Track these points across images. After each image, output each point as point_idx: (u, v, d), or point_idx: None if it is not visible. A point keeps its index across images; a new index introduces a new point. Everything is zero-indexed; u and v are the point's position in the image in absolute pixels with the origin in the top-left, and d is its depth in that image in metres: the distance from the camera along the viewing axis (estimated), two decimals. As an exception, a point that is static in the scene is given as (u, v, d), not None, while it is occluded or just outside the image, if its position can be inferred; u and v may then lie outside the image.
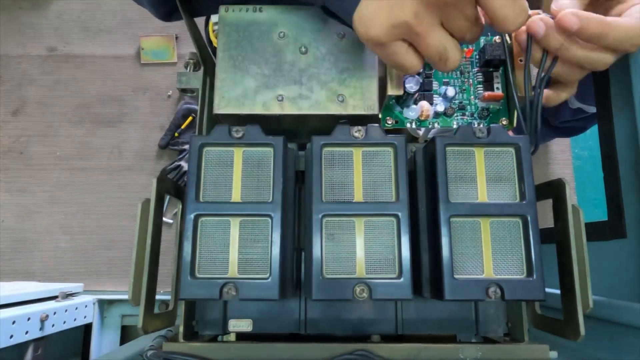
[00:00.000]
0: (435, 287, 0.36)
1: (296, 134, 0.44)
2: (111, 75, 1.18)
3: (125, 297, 0.91)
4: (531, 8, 0.37)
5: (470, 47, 0.44)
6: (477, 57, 0.44)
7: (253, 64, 0.41)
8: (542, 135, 1.03)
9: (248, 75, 0.40)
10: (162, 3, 0.48)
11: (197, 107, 0.46)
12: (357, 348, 0.37)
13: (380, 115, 0.42)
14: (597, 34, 0.37)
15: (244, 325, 0.42)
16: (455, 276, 0.34)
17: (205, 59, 0.47)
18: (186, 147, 1.09)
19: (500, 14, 0.33)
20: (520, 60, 0.41)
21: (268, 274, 0.34)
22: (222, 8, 0.42)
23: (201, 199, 0.36)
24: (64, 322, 0.86)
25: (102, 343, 1.02)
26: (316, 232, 0.35)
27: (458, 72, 0.44)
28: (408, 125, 0.43)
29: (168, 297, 0.43)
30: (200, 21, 0.49)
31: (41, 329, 0.78)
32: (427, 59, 0.36)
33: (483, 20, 0.36)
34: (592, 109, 0.86)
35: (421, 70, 0.40)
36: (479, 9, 0.34)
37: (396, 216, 0.35)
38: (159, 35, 1.18)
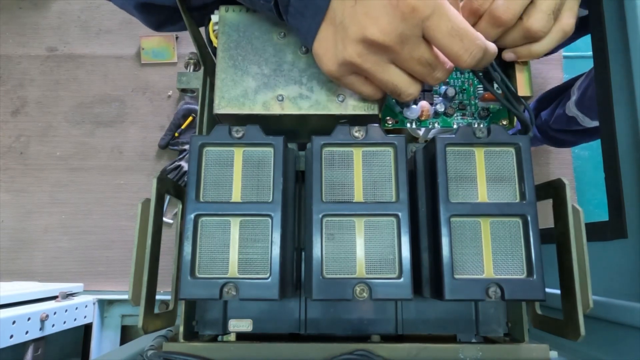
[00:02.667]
0: (435, 287, 0.36)
1: (296, 134, 0.44)
2: (111, 75, 1.18)
3: (125, 297, 0.91)
4: None
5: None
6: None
7: (253, 64, 0.41)
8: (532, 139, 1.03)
9: (248, 75, 0.40)
10: (153, 13, 0.48)
11: (197, 107, 0.46)
12: (357, 348, 0.37)
13: (380, 115, 0.42)
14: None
15: (244, 325, 0.42)
16: (455, 276, 0.34)
17: (205, 59, 0.47)
18: (186, 147, 1.09)
19: (452, 53, 0.32)
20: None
21: (268, 274, 0.34)
22: (222, 8, 0.42)
23: (201, 199, 0.36)
24: (64, 322, 0.86)
25: (102, 343, 1.02)
26: (316, 232, 0.35)
27: (458, 72, 0.44)
28: (408, 125, 0.43)
29: (168, 297, 0.43)
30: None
31: (41, 329, 0.78)
32: (384, 90, 0.37)
33: (447, 64, 0.35)
34: (587, 123, 0.86)
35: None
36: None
37: (396, 216, 0.35)
38: (159, 35, 1.18)
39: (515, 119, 0.43)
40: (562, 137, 0.96)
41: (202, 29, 0.47)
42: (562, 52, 1.18)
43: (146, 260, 0.37)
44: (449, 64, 0.35)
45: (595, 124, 0.85)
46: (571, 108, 0.86)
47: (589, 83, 0.81)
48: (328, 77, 0.38)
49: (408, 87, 0.35)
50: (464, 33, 0.31)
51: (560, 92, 0.93)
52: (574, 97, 0.85)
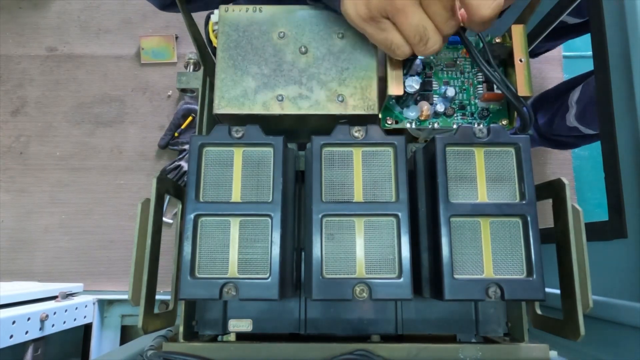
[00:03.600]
0: (435, 287, 0.36)
1: (296, 134, 0.44)
2: (111, 75, 1.18)
3: (125, 297, 0.91)
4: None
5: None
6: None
7: (253, 64, 0.41)
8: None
9: (248, 75, 0.40)
10: None
11: (197, 107, 0.46)
12: (357, 348, 0.37)
13: (380, 115, 0.42)
14: None
15: (244, 325, 0.42)
16: (455, 276, 0.34)
17: (205, 59, 0.47)
18: (186, 147, 1.09)
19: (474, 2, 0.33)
20: (520, 60, 0.41)
21: (268, 274, 0.34)
22: (222, 8, 0.42)
23: (201, 199, 0.36)
24: (64, 322, 0.86)
25: (102, 343, 1.02)
26: (316, 232, 0.35)
27: (458, 72, 0.44)
28: (408, 125, 0.43)
29: (168, 297, 0.43)
30: (200, 21, 0.49)
31: (41, 329, 0.78)
32: (409, 40, 0.36)
33: (459, 17, 0.36)
34: (588, 131, 0.86)
35: (413, 58, 0.39)
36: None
37: (396, 216, 0.35)
38: (159, 35, 1.18)
39: (515, 116, 0.43)
40: (564, 139, 0.96)
41: (201, 30, 0.47)
42: (562, 52, 1.18)
43: (146, 260, 0.37)
44: (459, 16, 0.36)
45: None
46: (572, 120, 0.86)
47: (588, 100, 0.81)
48: (355, 26, 0.37)
49: (434, 34, 0.36)
50: None
51: (557, 97, 0.93)
52: (573, 111, 0.85)
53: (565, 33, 0.93)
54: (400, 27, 0.36)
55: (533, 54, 1.00)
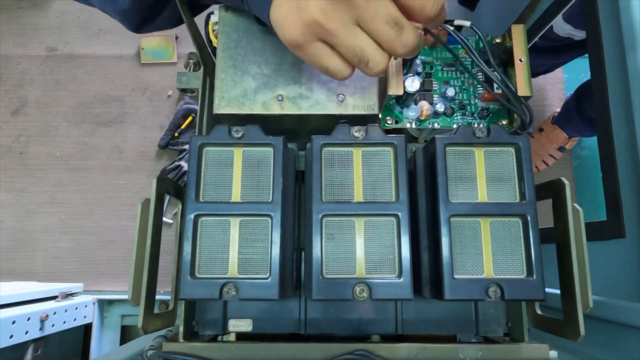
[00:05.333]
0: (435, 287, 0.36)
1: (296, 134, 0.44)
2: (111, 75, 1.18)
3: (125, 297, 0.91)
4: None
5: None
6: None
7: (253, 64, 0.41)
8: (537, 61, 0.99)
9: (248, 75, 0.40)
10: (133, 13, 0.46)
11: (197, 107, 0.46)
12: (357, 348, 0.37)
13: (380, 115, 0.42)
14: None
15: (244, 325, 0.42)
16: (455, 276, 0.34)
17: (205, 59, 0.47)
18: (186, 147, 1.09)
19: (417, 3, 0.31)
20: (520, 60, 0.41)
21: (268, 274, 0.34)
22: (222, 8, 0.42)
23: (201, 199, 0.36)
24: (64, 322, 0.86)
25: (102, 343, 1.02)
26: (316, 232, 0.35)
27: (458, 72, 0.44)
28: (408, 125, 0.43)
29: (168, 297, 0.43)
30: (200, 21, 0.49)
31: (41, 329, 0.78)
32: (349, 61, 0.34)
33: (413, 23, 0.33)
34: (579, 33, 0.84)
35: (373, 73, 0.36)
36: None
37: (396, 216, 0.35)
38: (159, 35, 1.18)
39: (515, 116, 0.43)
40: (558, 44, 0.92)
41: (201, 30, 0.47)
42: (562, 52, 1.18)
43: (146, 260, 0.37)
44: (416, 24, 0.33)
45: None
46: (562, 26, 0.83)
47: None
48: (291, 51, 0.35)
49: (375, 54, 0.33)
50: None
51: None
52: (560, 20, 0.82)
53: (569, 50, 0.91)
54: (336, 48, 0.33)
55: (533, 73, 0.97)
